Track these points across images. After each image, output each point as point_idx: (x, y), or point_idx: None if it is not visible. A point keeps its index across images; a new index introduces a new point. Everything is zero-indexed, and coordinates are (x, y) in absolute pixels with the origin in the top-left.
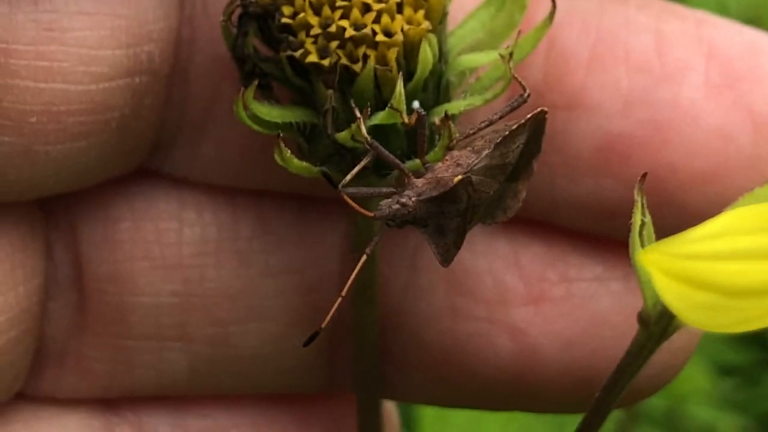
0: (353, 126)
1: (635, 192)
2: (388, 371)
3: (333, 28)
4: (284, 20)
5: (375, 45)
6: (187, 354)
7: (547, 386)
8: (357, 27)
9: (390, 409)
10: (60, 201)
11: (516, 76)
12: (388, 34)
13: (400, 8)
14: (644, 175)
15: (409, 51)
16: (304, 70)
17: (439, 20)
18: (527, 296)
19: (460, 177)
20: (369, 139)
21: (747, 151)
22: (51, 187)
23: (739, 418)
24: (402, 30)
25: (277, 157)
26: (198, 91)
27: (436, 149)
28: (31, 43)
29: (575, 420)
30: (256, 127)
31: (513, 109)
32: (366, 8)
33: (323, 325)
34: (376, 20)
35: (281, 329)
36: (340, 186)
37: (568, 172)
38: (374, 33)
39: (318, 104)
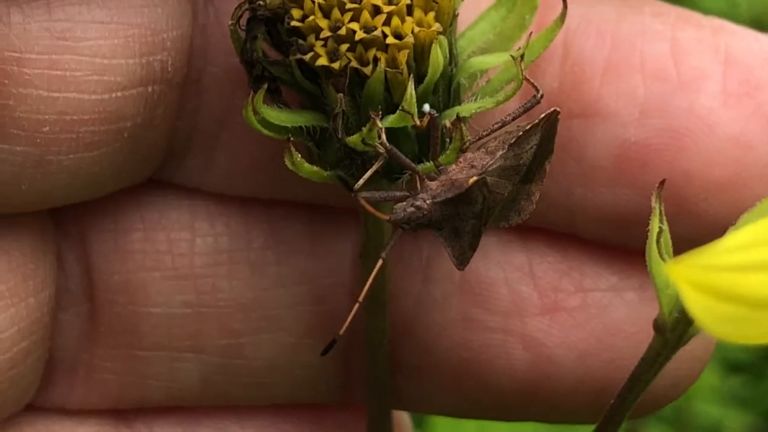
0: (364, 129)
1: (653, 199)
2: (401, 381)
3: (343, 31)
4: (293, 23)
5: (385, 47)
6: (199, 365)
7: (562, 397)
8: (367, 29)
9: (403, 419)
10: (71, 211)
11: (527, 77)
12: (398, 36)
13: (410, 10)
14: (662, 182)
15: (420, 53)
16: (314, 73)
17: (449, 22)
18: (542, 306)
19: (475, 178)
20: (383, 142)
21: (765, 160)
22: (63, 197)
23: (746, 415)
24: (412, 32)
25: (287, 162)
26: (211, 101)
27: (449, 152)
28: (45, 52)
29: (589, 429)
30: (265, 131)
31: (526, 110)
32: (376, 10)
33: (341, 332)
34: (386, 23)
35: (294, 340)
36: (354, 189)
37: (584, 180)
38: (384, 35)
39: (328, 108)
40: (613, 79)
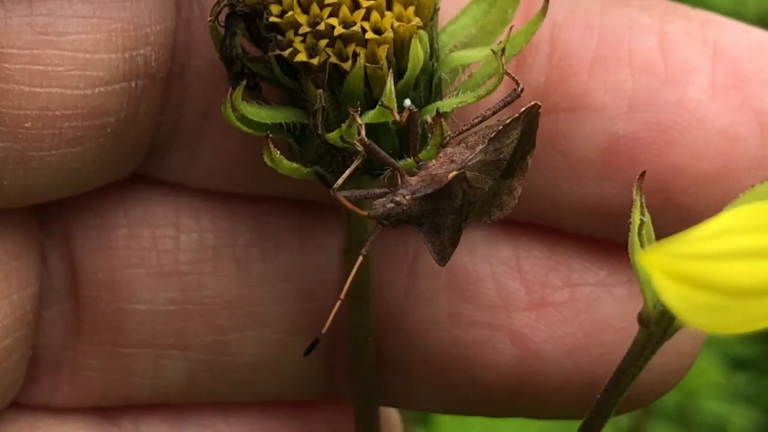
0: (344, 126)
1: (634, 191)
2: (389, 378)
3: (322, 27)
4: (272, 19)
5: (365, 43)
6: (184, 362)
7: (550, 391)
8: (346, 25)
9: (392, 416)
10: (55, 208)
11: (508, 71)
12: (377, 31)
13: (389, 5)
14: (643, 174)
15: (400, 48)
16: (293, 69)
17: (429, 17)
18: (529, 301)
19: (454, 173)
20: (362, 138)
21: (754, 153)
22: (46, 193)
23: (751, 412)
24: (392, 27)
25: (266, 159)
26: (194, 96)
27: (429, 147)
28: (26, 47)
29: None
30: (244, 128)
31: (506, 105)
32: (355, 5)
33: (323, 331)
34: (366, 17)
35: (280, 336)
36: (333, 189)
37: (571, 174)
38: (364, 30)
39: (308, 104)
40: (601, 73)
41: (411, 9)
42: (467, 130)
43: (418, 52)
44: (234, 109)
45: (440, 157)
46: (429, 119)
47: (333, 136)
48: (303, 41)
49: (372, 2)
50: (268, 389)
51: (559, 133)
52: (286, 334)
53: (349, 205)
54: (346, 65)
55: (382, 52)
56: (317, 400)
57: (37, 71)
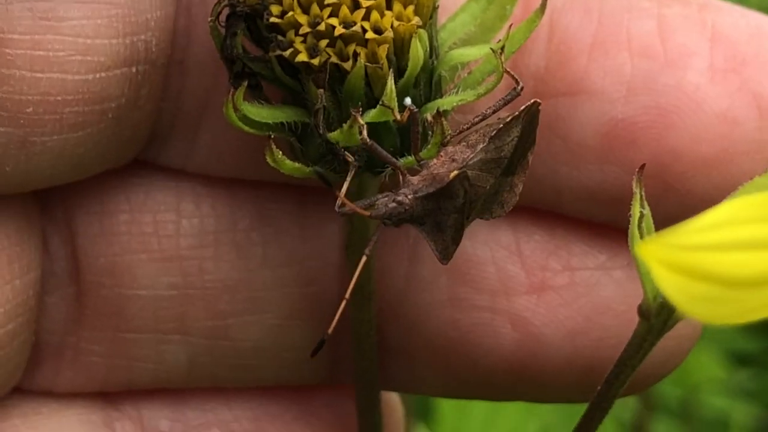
0: (345, 126)
1: (633, 183)
2: (390, 362)
3: (322, 27)
4: (273, 19)
5: (365, 42)
6: (185, 347)
7: (551, 375)
8: (346, 25)
9: (394, 400)
10: (56, 193)
11: (508, 69)
12: (377, 31)
13: (389, 4)
14: (642, 167)
15: (400, 47)
16: (294, 69)
17: (429, 15)
18: (529, 285)
19: (456, 172)
20: (364, 138)
21: (752, 136)
22: (48, 178)
23: (753, 408)
24: (392, 26)
25: (268, 159)
26: (195, 82)
27: (430, 146)
28: (27, 32)
29: None
30: (246, 128)
31: (506, 103)
32: (355, 5)
33: (329, 331)
34: (366, 17)
35: (280, 321)
36: (336, 207)
37: (571, 158)
38: (364, 30)
39: (309, 103)
40: (600, 57)
41: (410, 8)
42: (468, 128)
43: (418, 52)
44: (236, 109)
45: (441, 156)
46: (429, 117)
47: (335, 135)
48: (304, 41)
49: (372, 2)
50: (268, 374)
51: (559, 118)
52: (286, 318)
53: (352, 206)
54: (347, 65)
55: (383, 51)
56: (319, 385)
57: (38, 56)
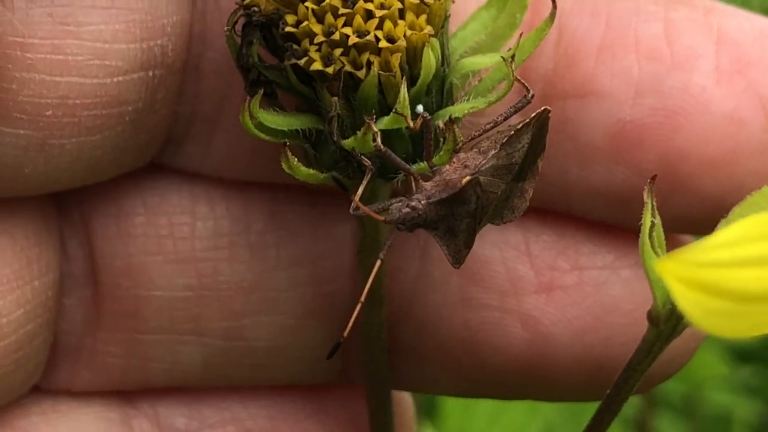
0: (359, 134)
1: (645, 194)
2: (400, 362)
3: (336, 36)
4: (288, 29)
5: (378, 51)
6: (201, 347)
7: (560, 374)
8: (360, 34)
9: (405, 399)
10: (73, 196)
11: (519, 78)
12: (391, 40)
13: (402, 14)
14: (654, 177)
15: (412, 56)
16: (309, 77)
17: (441, 24)
18: (539, 285)
19: (468, 178)
20: (378, 145)
21: (758, 137)
22: (65, 181)
23: (755, 404)
24: (405, 35)
25: (284, 166)
26: (210, 86)
27: (442, 152)
28: (47, 37)
29: (592, 409)
30: (262, 135)
31: (517, 111)
32: (369, 15)
33: (345, 334)
34: (379, 26)
35: (294, 321)
36: (351, 210)
37: (579, 159)
38: (377, 39)
39: (323, 110)
40: (608, 59)
41: (423, 17)
42: (479, 135)
43: (430, 60)
44: (251, 117)
45: (454, 162)
46: (441, 124)
47: (349, 143)
48: (318, 50)
49: (385, 11)
50: (282, 374)
51: (567, 119)
52: (300, 319)
53: (367, 210)
54: (361, 73)
55: (396, 60)
56: (331, 385)
57: (58, 61)
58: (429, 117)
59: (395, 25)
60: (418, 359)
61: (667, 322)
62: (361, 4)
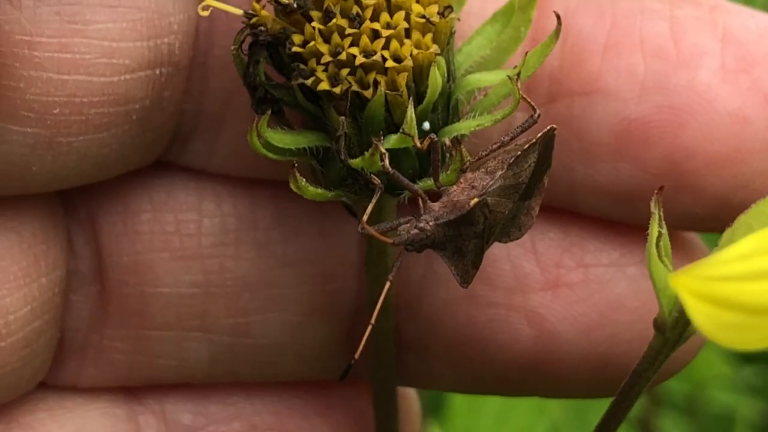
0: (367, 154)
1: (651, 204)
2: (407, 358)
3: (343, 56)
4: (295, 49)
5: (385, 71)
6: (207, 343)
7: (566, 370)
8: (367, 54)
9: (410, 396)
10: (80, 193)
11: (524, 96)
12: (397, 59)
13: (408, 33)
14: (661, 188)
15: (419, 74)
16: (316, 95)
17: (446, 42)
18: (544, 282)
19: (476, 200)
20: (386, 165)
21: (763, 135)
22: (73, 178)
23: (758, 403)
24: (411, 55)
25: (292, 186)
26: (216, 84)
27: (449, 172)
28: (55, 35)
29: (598, 408)
30: (270, 154)
31: (524, 130)
32: (375, 35)
33: (356, 356)
34: (385, 46)
35: (300, 318)
36: (359, 229)
37: (585, 157)
38: (384, 59)
39: (330, 128)
40: (614, 57)
41: (429, 36)
42: (486, 155)
43: (437, 79)
44: (259, 136)
45: (461, 183)
46: (447, 141)
47: (356, 162)
48: (325, 70)
49: (391, 31)
50: (288, 370)
51: (573, 117)
52: (305, 315)
53: (375, 233)
54: (368, 93)
55: (402, 79)
56: (337, 380)
57: (65, 59)
58: (437, 138)
59: (401, 44)
60: (425, 356)
61: (673, 329)
62: (367, 24)
